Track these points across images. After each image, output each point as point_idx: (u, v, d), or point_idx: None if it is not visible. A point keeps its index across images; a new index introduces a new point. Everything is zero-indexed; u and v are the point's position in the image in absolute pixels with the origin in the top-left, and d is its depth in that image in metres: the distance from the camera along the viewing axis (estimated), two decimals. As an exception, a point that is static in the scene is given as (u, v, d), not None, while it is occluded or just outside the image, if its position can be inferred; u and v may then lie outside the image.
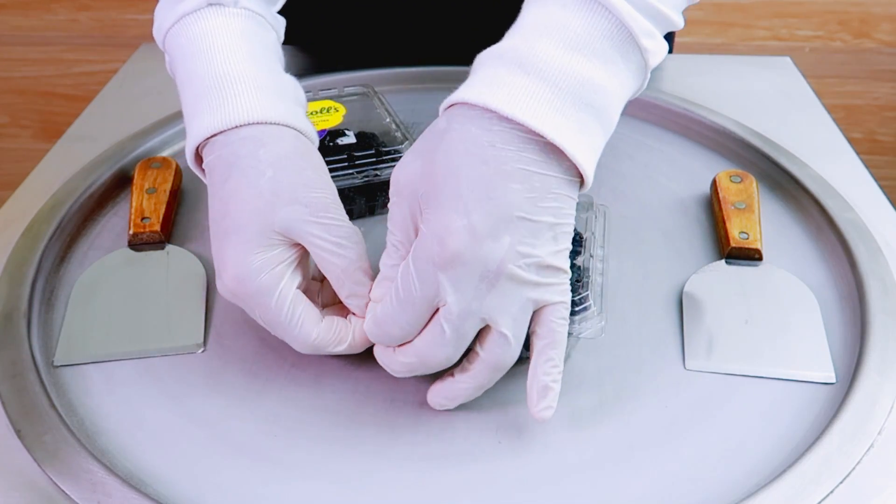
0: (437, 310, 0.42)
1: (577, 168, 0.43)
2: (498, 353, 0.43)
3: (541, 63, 0.42)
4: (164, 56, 0.55)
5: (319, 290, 0.49)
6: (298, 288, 0.46)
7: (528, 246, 0.42)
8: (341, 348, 0.47)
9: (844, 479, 0.42)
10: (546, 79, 0.42)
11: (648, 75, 0.47)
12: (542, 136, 0.41)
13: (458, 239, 0.40)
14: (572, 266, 0.48)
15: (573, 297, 0.45)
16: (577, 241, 0.51)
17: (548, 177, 0.42)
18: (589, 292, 0.47)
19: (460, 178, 0.41)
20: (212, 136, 0.48)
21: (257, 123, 0.48)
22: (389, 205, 0.45)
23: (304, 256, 0.47)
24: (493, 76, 0.42)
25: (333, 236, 0.45)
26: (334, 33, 0.84)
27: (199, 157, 0.51)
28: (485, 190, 0.41)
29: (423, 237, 0.42)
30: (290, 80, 0.53)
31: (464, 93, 0.43)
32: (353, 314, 0.47)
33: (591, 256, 0.50)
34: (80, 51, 1.49)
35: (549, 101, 0.42)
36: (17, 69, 1.53)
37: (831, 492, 0.42)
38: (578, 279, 0.48)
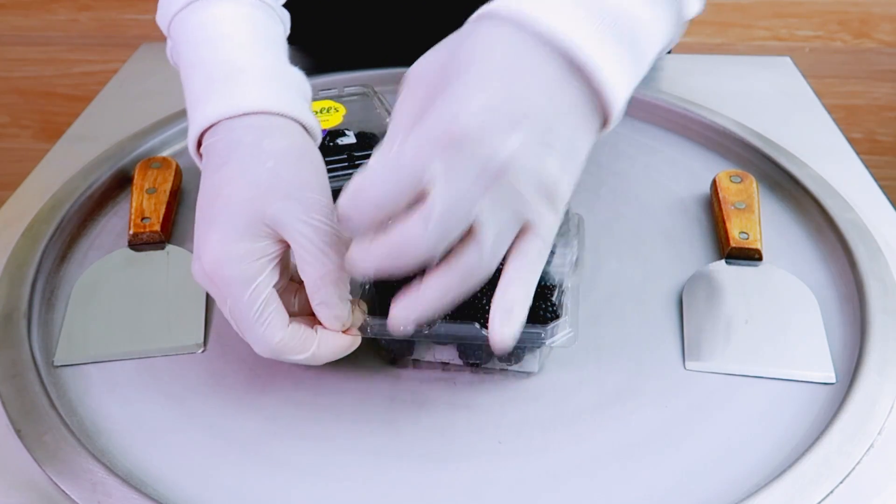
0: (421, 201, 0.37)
1: (603, 108, 0.40)
2: (472, 261, 0.38)
3: None
4: (167, 42, 0.54)
5: (296, 293, 0.48)
6: (275, 287, 0.45)
7: (537, 157, 0.38)
8: (301, 357, 0.45)
9: (844, 479, 0.42)
10: (586, 4, 0.38)
11: (681, 31, 0.45)
12: (573, 59, 0.38)
13: (474, 117, 0.36)
14: (544, 273, 0.47)
15: (545, 303, 0.46)
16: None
17: (573, 100, 0.39)
18: (561, 301, 0.47)
19: (485, 63, 0.37)
20: (217, 123, 0.48)
21: (264, 113, 0.47)
22: (398, 98, 0.40)
23: (285, 255, 0.46)
24: None
25: (320, 240, 0.44)
26: (334, 33, 0.84)
27: (199, 144, 0.50)
28: (509, 79, 0.37)
29: (432, 112, 0.37)
30: (299, 74, 0.52)
31: (496, 3, 0.39)
32: (321, 325, 0.46)
33: (564, 265, 0.49)
34: (80, 51, 1.49)
35: (590, 24, 0.38)
36: (17, 69, 1.53)
37: (831, 492, 0.42)
38: (550, 286, 0.48)
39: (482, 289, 0.47)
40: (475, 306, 0.47)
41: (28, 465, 0.43)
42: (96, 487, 0.41)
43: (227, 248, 0.43)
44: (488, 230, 0.38)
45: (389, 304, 0.43)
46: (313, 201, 0.44)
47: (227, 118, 0.47)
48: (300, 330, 0.45)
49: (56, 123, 1.58)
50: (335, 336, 0.46)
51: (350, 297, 0.45)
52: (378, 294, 0.49)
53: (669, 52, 0.89)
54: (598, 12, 0.38)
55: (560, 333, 0.45)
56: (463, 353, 0.49)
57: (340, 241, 0.44)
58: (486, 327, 0.44)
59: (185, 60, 0.51)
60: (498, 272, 0.45)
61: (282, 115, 0.48)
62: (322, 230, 0.44)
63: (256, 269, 0.44)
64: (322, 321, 0.45)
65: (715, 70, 0.83)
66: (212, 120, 0.47)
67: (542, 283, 0.50)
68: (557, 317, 0.47)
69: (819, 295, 0.54)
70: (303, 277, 0.44)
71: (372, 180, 0.38)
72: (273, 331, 0.44)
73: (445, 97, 0.37)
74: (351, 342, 0.46)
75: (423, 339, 0.48)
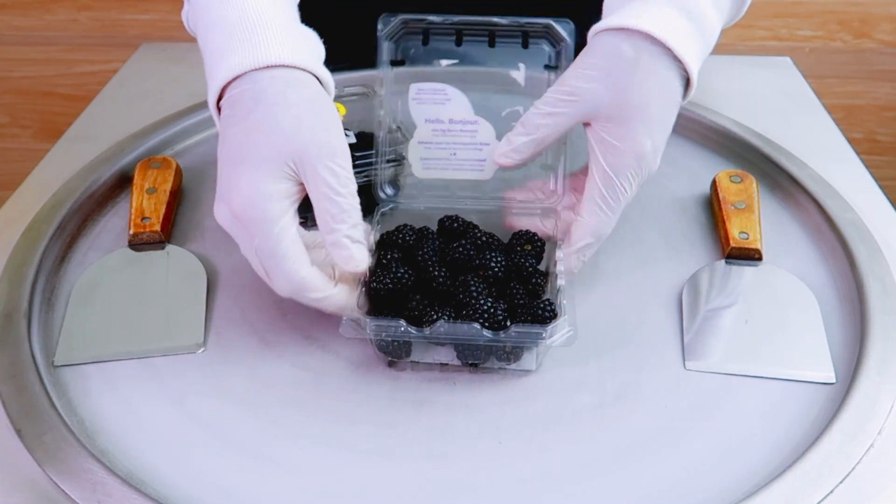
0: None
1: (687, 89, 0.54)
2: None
3: (698, 13, 0.53)
4: (183, 7, 0.56)
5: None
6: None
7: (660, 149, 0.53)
8: (320, 295, 0.48)
9: (844, 479, 0.42)
10: (698, 26, 0.53)
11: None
12: (681, 60, 0.52)
13: (651, 159, 0.51)
14: (535, 271, 0.51)
15: (543, 302, 0.48)
16: (540, 246, 0.53)
17: (679, 93, 0.53)
18: (560, 300, 0.48)
19: (651, 108, 0.51)
20: (241, 75, 0.50)
21: (286, 66, 0.50)
22: (565, 90, 0.51)
23: (302, 199, 0.49)
24: (667, 15, 0.51)
25: (338, 183, 0.47)
26: (334, 33, 0.84)
27: (219, 98, 0.52)
28: (666, 119, 0.52)
29: (619, 153, 0.50)
30: (312, 33, 0.55)
31: (642, 22, 0.51)
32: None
33: (556, 262, 0.51)
34: (80, 51, 1.49)
35: (694, 39, 0.53)
36: (17, 69, 1.53)
37: (831, 492, 0.42)
38: (541, 282, 0.50)
39: (480, 289, 0.48)
40: (474, 307, 0.47)
41: (28, 465, 0.43)
42: (96, 487, 0.41)
43: (258, 189, 0.47)
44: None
45: (386, 307, 0.48)
46: (332, 146, 0.48)
47: (252, 70, 0.50)
48: (319, 271, 0.48)
49: (56, 123, 1.58)
50: (349, 288, 0.49)
51: (363, 242, 0.48)
52: (374, 298, 0.49)
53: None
54: (688, 16, 0.52)
55: (559, 333, 0.46)
56: (461, 353, 0.49)
57: (355, 188, 0.48)
58: (486, 327, 0.45)
59: (204, 19, 0.53)
60: (498, 277, 0.50)
61: (301, 69, 0.51)
62: (339, 173, 0.48)
63: (283, 208, 0.47)
64: (336, 260, 0.48)
65: (715, 70, 0.82)
66: (237, 72, 0.50)
67: (539, 282, 0.50)
68: (556, 315, 0.47)
69: (819, 295, 0.54)
70: (318, 219, 0.47)
71: (609, 223, 0.53)
72: (298, 266, 0.47)
73: (623, 139, 0.51)
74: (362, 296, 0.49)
75: (423, 339, 0.48)
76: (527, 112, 0.52)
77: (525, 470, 0.44)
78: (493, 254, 0.51)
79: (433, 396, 0.48)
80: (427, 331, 0.46)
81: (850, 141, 0.71)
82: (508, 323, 0.47)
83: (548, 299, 0.48)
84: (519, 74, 0.56)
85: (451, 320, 0.47)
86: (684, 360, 0.50)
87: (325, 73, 0.53)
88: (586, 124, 0.52)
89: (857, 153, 0.70)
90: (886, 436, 0.45)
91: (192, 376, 0.49)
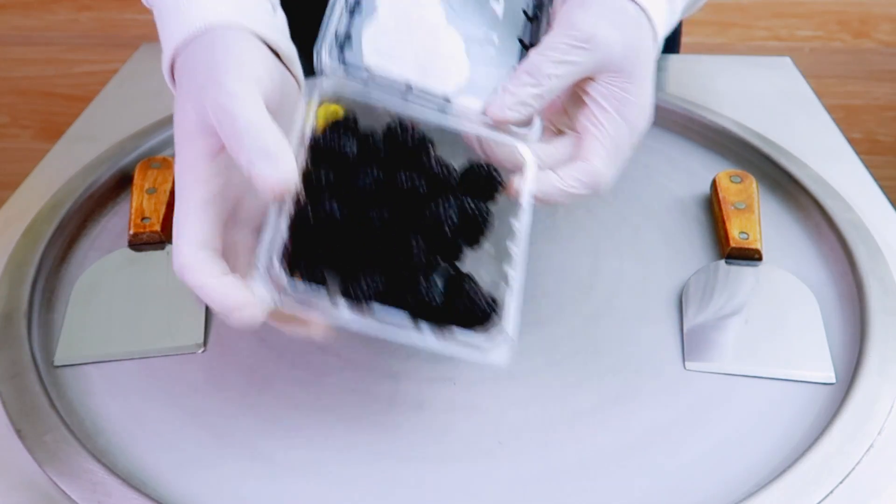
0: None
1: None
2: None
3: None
4: None
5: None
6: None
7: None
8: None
9: (844, 479, 0.42)
10: (672, 8, 0.51)
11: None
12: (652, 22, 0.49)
13: (649, 114, 0.49)
14: (457, 274, 0.43)
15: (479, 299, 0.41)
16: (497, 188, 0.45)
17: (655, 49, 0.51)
18: (504, 299, 0.42)
19: (650, 67, 0.49)
20: (175, 54, 0.46)
21: (212, 29, 0.44)
22: (578, 36, 0.46)
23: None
24: None
25: (226, 114, 0.40)
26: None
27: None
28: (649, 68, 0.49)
29: (634, 107, 0.47)
30: None
31: None
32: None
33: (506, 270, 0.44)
34: (80, 51, 1.49)
35: (668, 21, 0.51)
36: (18, 69, 1.53)
37: (831, 492, 0.42)
38: (472, 291, 0.41)
39: (421, 256, 0.42)
40: (411, 287, 0.41)
41: (28, 465, 0.43)
42: (96, 487, 0.41)
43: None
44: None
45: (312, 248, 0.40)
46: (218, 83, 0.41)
47: (181, 45, 0.45)
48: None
49: (56, 123, 1.58)
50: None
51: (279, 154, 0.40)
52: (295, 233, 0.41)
53: (675, 52, 0.89)
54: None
55: (498, 349, 0.40)
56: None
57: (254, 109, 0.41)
58: (417, 313, 0.41)
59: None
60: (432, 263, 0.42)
61: (230, 28, 0.44)
62: (225, 104, 0.41)
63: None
64: (256, 183, 0.39)
65: (715, 70, 0.83)
66: (171, 54, 0.46)
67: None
68: (488, 316, 0.41)
69: (819, 295, 0.54)
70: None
71: (615, 170, 0.48)
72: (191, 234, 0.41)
73: (637, 93, 0.48)
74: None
75: (345, 326, 0.41)
76: (530, 58, 0.46)
77: (525, 470, 0.44)
78: (447, 202, 0.42)
79: (433, 396, 0.48)
80: (345, 314, 0.39)
81: (850, 141, 0.71)
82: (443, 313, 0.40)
83: (491, 296, 0.41)
84: (498, 7, 0.51)
85: (378, 294, 0.40)
86: (684, 360, 0.50)
87: (258, 27, 0.46)
88: (587, 79, 0.47)
89: (857, 153, 0.70)
90: (886, 436, 0.45)
91: (192, 376, 0.49)
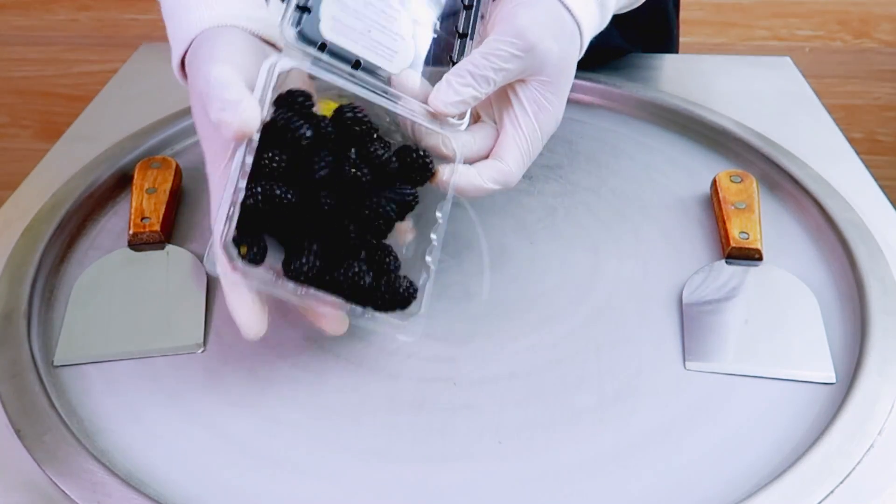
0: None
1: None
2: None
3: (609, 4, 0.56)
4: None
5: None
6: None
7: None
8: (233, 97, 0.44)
9: (844, 479, 0.42)
10: (603, 15, 0.56)
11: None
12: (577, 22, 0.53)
13: (558, 122, 0.53)
14: (384, 262, 0.49)
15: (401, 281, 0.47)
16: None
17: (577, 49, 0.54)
18: (423, 284, 0.48)
19: (572, 77, 0.53)
20: (185, 51, 0.51)
21: (208, 29, 0.50)
22: (521, 46, 0.49)
23: None
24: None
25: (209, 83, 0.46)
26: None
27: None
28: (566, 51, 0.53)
29: (550, 115, 0.52)
30: None
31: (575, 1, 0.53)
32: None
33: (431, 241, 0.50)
34: (80, 51, 1.49)
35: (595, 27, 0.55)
36: (17, 69, 1.53)
37: (831, 492, 0.42)
38: (395, 279, 0.47)
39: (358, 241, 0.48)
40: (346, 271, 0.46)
41: (28, 465, 0.43)
42: (96, 487, 0.41)
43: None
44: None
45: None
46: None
47: (187, 46, 0.51)
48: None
49: (56, 123, 1.58)
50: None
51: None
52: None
53: (674, 52, 0.89)
54: (601, 7, 0.55)
55: (407, 322, 0.47)
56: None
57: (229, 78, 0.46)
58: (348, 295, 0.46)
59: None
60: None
61: (221, 27, 0.50)
62: (210, 77, 0.46)
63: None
64: (217, 119, 0.44)
65: (715, 70, 0.83)
66: (177, 59, 0.52)
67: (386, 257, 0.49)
68: (407, 301, 0.47)
69: (819, 295, 0.54)
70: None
71: (522, 170, 0.52)
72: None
73: (554, 102, 0.52)
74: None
75: (296, 298, 0.45)
76: (472, 60, 0.50)
77: (525, 470, 0.44)
78: (385, 195, 0.48)
79: (433, 396, 0.48)
80: (290, 286, 0.44)
81: (850, 141, 0.71)
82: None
83: (410, 282, 0.47)
84: None
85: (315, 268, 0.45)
86: (684, 360, 0.50)
87: (248, 23, 0.51)
88: (519, 80, 0.52)
89: (857, 153, 0.70)
90: (886, 436, 0.45)
91: (192, 376, 0.49)
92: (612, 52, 0.84)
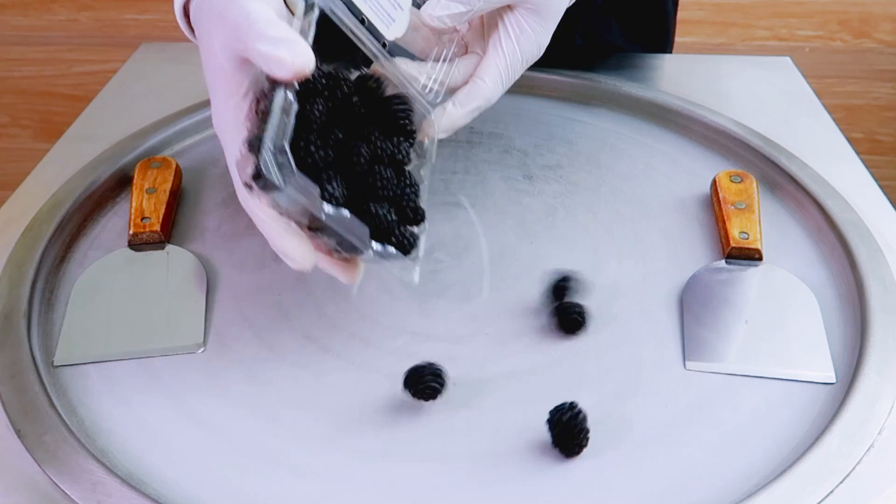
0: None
1: None
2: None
3: None
4: None
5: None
6: None
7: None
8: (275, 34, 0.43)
9: (844, 479, 0.42)
10: None
11: None
12: None
13: (541, 51, 0.56)
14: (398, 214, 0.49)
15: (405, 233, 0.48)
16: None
17: None
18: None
19: (561, 12, 0.56)
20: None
21: None
22: None
23: None
24: None
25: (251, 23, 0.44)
26: (334, 31, 0.84)
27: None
28: None
29: (532, 43, 0.55)
30: None
31: None
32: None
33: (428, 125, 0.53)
34: (80, 51, 1.49)
35: None
36: (17, 69, 1.53)
37: (831, 492, 0.42)
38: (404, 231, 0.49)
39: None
40: (380, 222, 0.47)
41: (28, 465, 0.43)
42: (96, 487, 0.41)
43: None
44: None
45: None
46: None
47: None
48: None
49: (56, 123, 1.58)
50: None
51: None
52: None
53: (670, 52, 0.89)
54: None
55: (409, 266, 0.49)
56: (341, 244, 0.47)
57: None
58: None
59: None
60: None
61: None
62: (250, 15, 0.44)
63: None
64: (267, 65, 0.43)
65: (715, 70, 0.83)
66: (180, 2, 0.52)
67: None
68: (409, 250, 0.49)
69: (819, 295, 0.54)
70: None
71: (503, 88, 0.55)
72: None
73: (539, 31, 0.55)
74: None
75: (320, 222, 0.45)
76: None
77: (525, 470, 0.44)
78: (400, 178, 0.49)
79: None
80: (330, 210, 0.43)
81: (850, 141, 0.71)
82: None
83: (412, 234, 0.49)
84: None
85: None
86: (684, 360, 0.50)
87: None
88: (506, 7, 0.54)
89: (857, 153, 0.70)
90: (886, 436, 0.45)
91: (192, 376, 0.49)
92: (611, 51, 0.84)
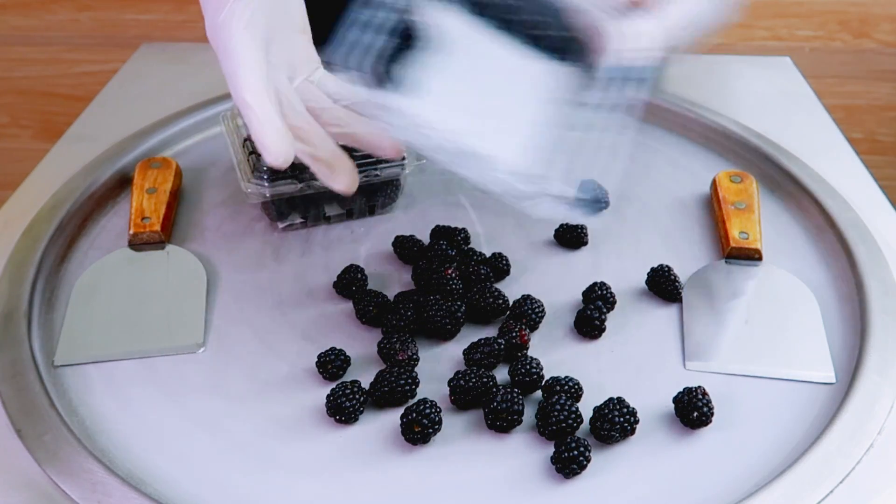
0: None
1: None
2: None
3: None
4: None
5: None
6: None
7: None
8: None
9: (844, 479, 0.42)
10: None
11: None
12: None
13: None
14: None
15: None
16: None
17: None
18: None
19: None
20: None
21: None
22: None
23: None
24: None
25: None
26: (334, 31, 0.84)
27: None
28: None
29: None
30: None
31: None
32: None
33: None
34: (80, 51, 1.49)
35: None
36: (17, 69, 1.53)
37: (831, 492, 0.42)
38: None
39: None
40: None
41: (28, 465, 0.43)
42: (96, 487, 0.42)
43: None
44: None
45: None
46: None
47: None
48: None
49: (56, 123, 1.58)
50: None
51: None
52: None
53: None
54: None
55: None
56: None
57: None
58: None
59: None
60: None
61: None
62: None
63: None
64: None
65: (715, 70, 0.83)
66: None
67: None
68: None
69: (819, 295, 0.54)
70: None
71: None
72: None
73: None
74: None
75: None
76: None
77: (525, 469, 0.44)
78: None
79: (433, 397, 0.48)
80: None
81: (850, 141, 0.71)
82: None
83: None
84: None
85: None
86: (684, 360, 0.50)
87: None
88: None
89: (857, 153, 0.70)
90: (886, 436, 0.45)
91: (192, 376, 0.50)
92: None
